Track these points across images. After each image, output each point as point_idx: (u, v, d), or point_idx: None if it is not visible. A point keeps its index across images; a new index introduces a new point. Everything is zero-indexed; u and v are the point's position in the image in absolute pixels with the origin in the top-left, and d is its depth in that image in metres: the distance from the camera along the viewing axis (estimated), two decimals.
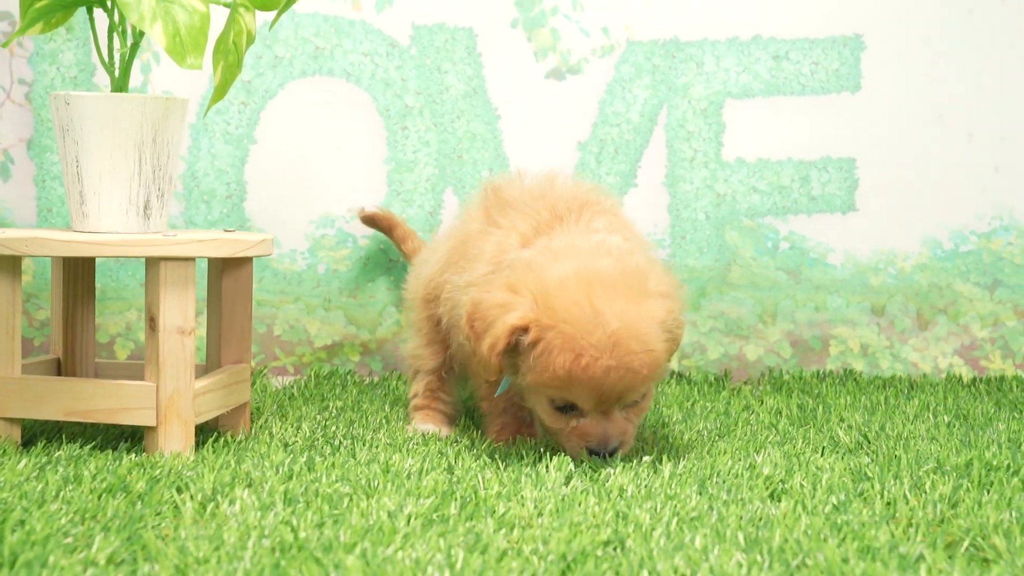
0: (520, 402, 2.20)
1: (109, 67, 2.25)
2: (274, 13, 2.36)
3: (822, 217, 2.88)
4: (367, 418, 2.43)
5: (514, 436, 2.24)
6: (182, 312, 2.14)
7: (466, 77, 2.85)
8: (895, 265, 2.89)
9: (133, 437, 2.22)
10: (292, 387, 2.73)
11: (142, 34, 2.23)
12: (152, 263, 2.13)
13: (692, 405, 2.61)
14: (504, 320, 1.98)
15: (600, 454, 2.04)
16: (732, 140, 2.87)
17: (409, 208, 2.85)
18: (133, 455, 2.06)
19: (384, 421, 2.42)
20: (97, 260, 2.86)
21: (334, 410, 2.51)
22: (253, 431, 2.31)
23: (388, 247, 2.85)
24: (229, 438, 2.24)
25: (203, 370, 2.39)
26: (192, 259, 2.15)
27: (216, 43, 2.22)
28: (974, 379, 2.90)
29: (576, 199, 2.19)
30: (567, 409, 2.03)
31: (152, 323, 2.13)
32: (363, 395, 2.66)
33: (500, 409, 2.27)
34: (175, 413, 2.13)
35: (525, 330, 1.97)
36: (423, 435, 2.28)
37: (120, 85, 2.26)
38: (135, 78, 2.79)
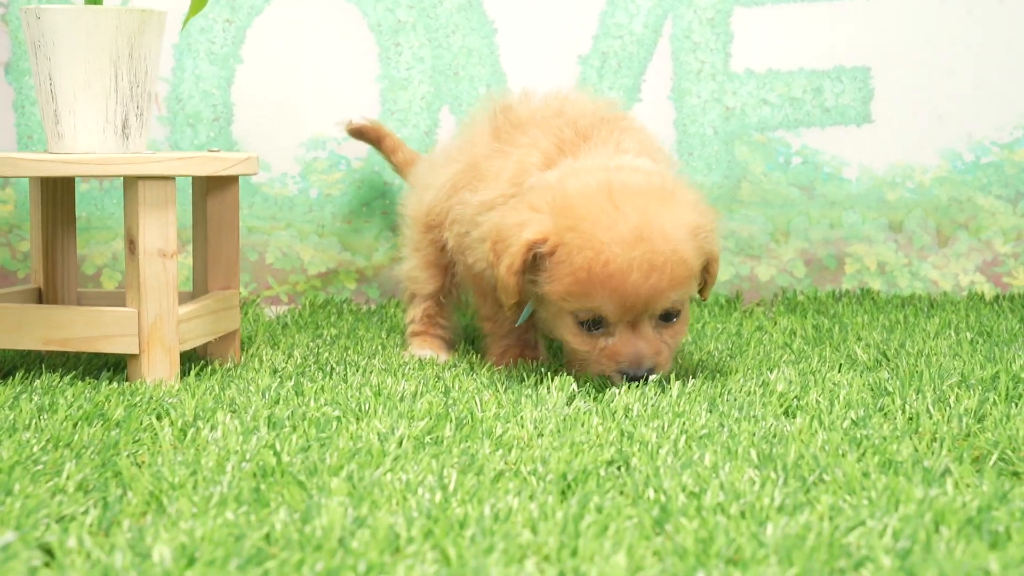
0: (547, 333, 2.07)
1: None
2: None
3: (836, 129, 2.75)
4: (362, 345, 2.33)
5: (515, 359, 2.13)
6: (163, 234, 2.03)
7: None
8: (913, 179, 2.77)
9: (117, 367, 2.12)
10: (286, 316, 2.63)
11: None
12: (130, 183, 2.02)
13: (703, 327, 2.51)
14: (519, 236, 1.87)
15: (635, 376, 1.88)
16: (740, 50, 2.74)
17: (404, 128, 2.73)
18: (114, 383, 1.96)
19: (380, 347, 2.31)
20: (81, 187, 2.75)
21: (328, 338, 2.40)
22: (243, 359, 2.21)
23: (384, 169, 2.73)
24: (217, 366, 2.14)
25: (190, 297, 2.29)
26: (172, 178, 2.04)
27: None
28: (997, 296, 2.78)
29: (600, 116, 2.07)
30: (593, 325, 1.89)
31: (132, 246, 2.03)
32: (359, 323, 2.56)
33: (504, 331, 2.16)
34: (158, 340, 2.02)
35: (542, 243, 1.86)
36: (420, 360, 2.17)
37: None
38: None
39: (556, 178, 1.94)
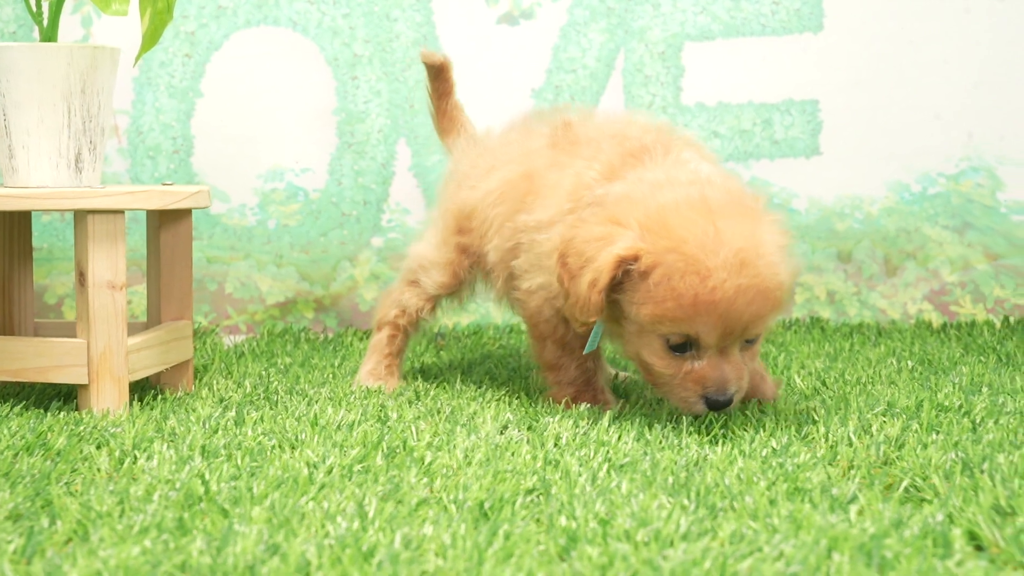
0: (622, 352, 1.96)
1: (37, 17, 2.19)
2: None
3: (785, 161, 2.81)
4: (313, 374, 2.37)
5: (584, 399, 2.04)
6: (112, 266, 2.07)
7: (416, 24, 2.77)
8: (861, 209, 2.82)
9: (69, 396, 2.16)
10: (243, 345, 2.67)
11: None
12: (80, 216, 2.07)
13: None
14: (609, 251, 1.78)
15: (718, 404, 1.83)
16: (691, 84, 2.79)
17: (361, 160, 2.78)
18: (62, 413, 2.01)
19: (331, 376, 2.35)
20: (43, 219, 2.79)
21: (282, 367, 2.45)
22: (196, 388, 2.26)
23: (340, 200, 2.78)
24: (167, 395, 2.18)
25: (144, 327, 2.33)
26: (121, 212, 2.08)
27: None
28: (944, 324, 2.83)
29: (660, 131, 2.01)
30: (683, 348, 1.82)
31: (82, 278, 2.07)
32: (314, 352, 2.60)
33: (571, 378, 2.06)
34: (107, 370, 2.07)
35: (634, 260, 1.78)
36: (367, 389, 2.17)
37: (48, 35, 2.19)
38: (75, 31, 2.72)
39: (636, 191, 1.86)
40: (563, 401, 2.05)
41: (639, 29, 2.78)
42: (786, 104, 2.80)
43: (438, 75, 2.38)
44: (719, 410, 1.85)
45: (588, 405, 2.01)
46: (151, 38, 2.19)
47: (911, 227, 2.82)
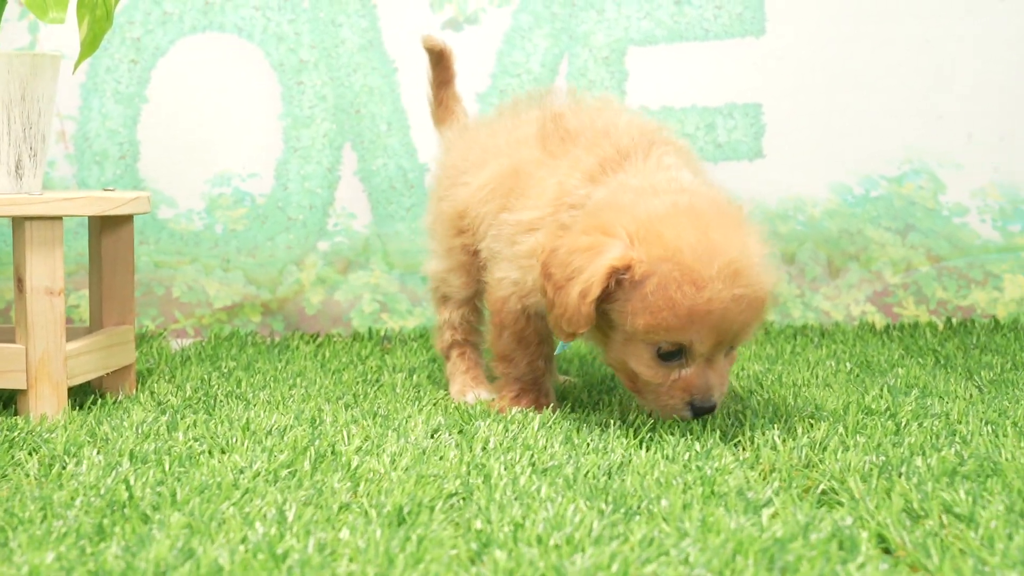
0: (607, 360, 1.94)
1: None
2: None
3: (728, 165, 2.83)
4: (255, 378, 2.39)
5: (530, 405, 2.05)
6: (50, 273, 2.08)
7: (361, 29, 2.79)
8: (804, 212, 2.85)
9: (10, 401, 2.17)
10: (189, 349, 2.68)
11: None
12: (18, 223, 2.08)
13: (594, 360, 2.57)
14: (600, 262, 1.78)
15: (703, 410, 1.85)
16: (635, 88, 2.81)
17: (307, 164, 2.79)
18: (0, 418, 2.02)
19: (272, 380, 2.37)
20: None
21: (225, 370, 2.46)
22: (137, 392, 2.27)
23: (287, 205, 2.79)
24: (108, 399, 2.19)
25: (88, 332, 2.34)
26: (59, 218, 2.09)
27: None
28: (887, 326, 2.86)
29: (644, 135, 1.99)
30: (673, 357, 1.83)
31: (20, 284, 2.08)
32: (259, 356, 2.62)
33: (519, 372, 2.07)
34: (45, 375, 2.08)
35: (626, 269, 1.78)
36: (464, 403, 2.13)
37: None
38: (22, 37, 2.73)
39: (620, 198, 1.87)
40: (510, 397, 2.07)
41: (583, 34, 2.80)
42: (729, 108, 2.82)
43: (438, 62, 2.38)
44: (703, 416, 1.87)
45: (524, 409, 2.03)
46: (90, 45, 2.20)
47: (854, 229, 2.85)
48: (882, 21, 2.82)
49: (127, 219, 2.32)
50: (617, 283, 1.80)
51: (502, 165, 2.07)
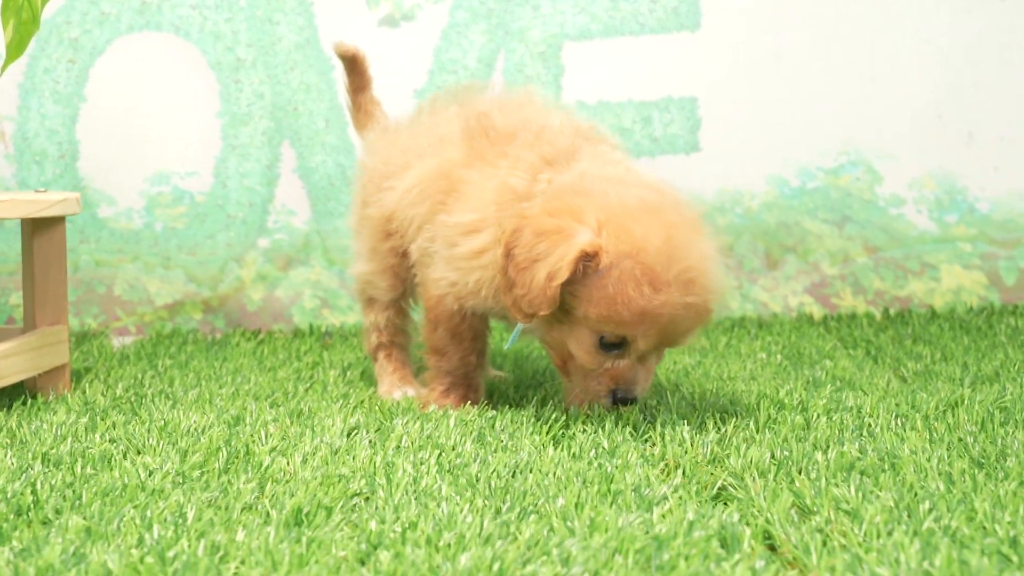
0: (544, 341, 1.95)
1: None
2: None
3: (666, 158, 2.85)
4: (189, 377, 2.41)
5: (460, 401, 2.08)
6: None
7: (298, 27, 2.80)
8: (742, 204, 2.87)
9: None
10: (129, 348, 2.70)
11: None
12: None
13: (528, 355, 2.59)
14: (570, 246, 1.78)
15: (624, 401, 1.89)
16: (572, 83, 2.83)
17: (247, 162, 2.81)
18: None
19: (205, 379, 2.39)
20: None
21: (161, 369, 2.48)
22: (68, 393, 2.28)
23: (226, 202, 2.81)
24: (39, 400, 2.21)
25: (22, 332, 2.36)
26: None
27: (4, 0, 2.18)
28: (824, 317, 2.88)
29: (579, 132, 2.01)
30: (613, 348, 1.86)
31: None
32: (198, 353, 2.63)
33: (451, 366, 2.09)
34: None
35: (592, 256, 1.79)
36: (395, 401, 2.16)
37: None
38: None
39: (589, 185, 1.87)
40: (440, 391, 2.09)
41: (519, 30, 2.82)
42: (665, 102, 2.84)
43: (352, 68, 2.38)
44: (623, 406, 1.90)
45: (451, 405, 2.05)
46: (16, 48, 2.22)
47: (791, 221, 2.87)
48: (816, 14, 2.84)
49: (59, 220, 2.33)
50: (581, 268, 1.81)
51: (428, 167, 2.08)
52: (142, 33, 2.79)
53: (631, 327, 1.82)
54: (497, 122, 2.04)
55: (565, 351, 1.90)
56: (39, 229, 2.31)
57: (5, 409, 2.15)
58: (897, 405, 2.00)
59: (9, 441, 1.88)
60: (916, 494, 1.52)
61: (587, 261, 1.80)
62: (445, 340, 2.08)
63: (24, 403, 2.19)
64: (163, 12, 2.78)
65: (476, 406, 2.07)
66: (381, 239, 2.19)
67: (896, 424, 1.88)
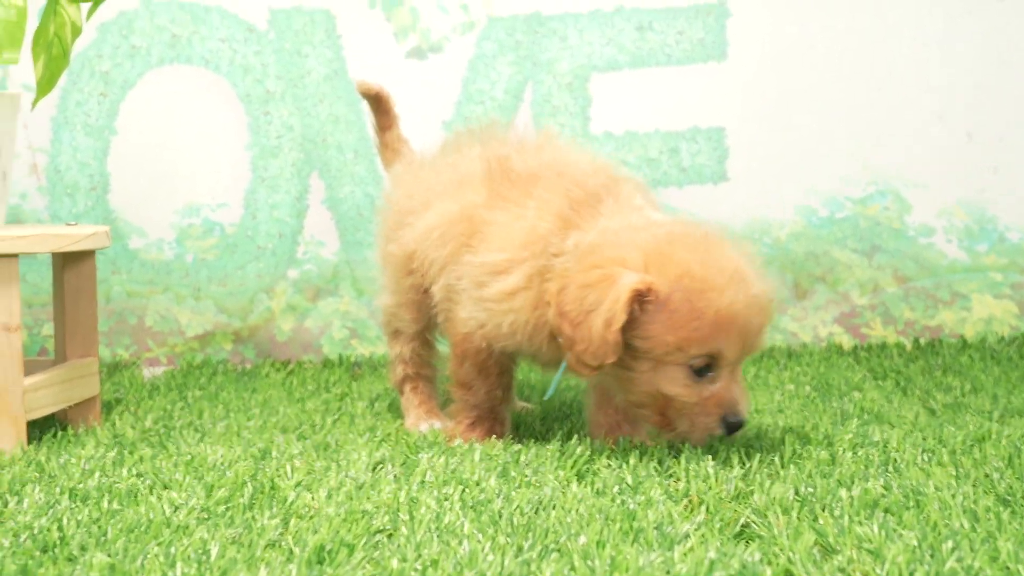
0: (627, 394, 1.93)
1: None
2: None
3: (693, 188, 2.85)
4: (218, 409, 2.42)
5: (485, 435, 2.09)
6: (6, 309, 2.12)
7: (327, 60, 2.82)
8: (770, 234, 2.87)
9: None
10: (160, 378, 2.72)
11: None
12: None
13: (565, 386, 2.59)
14: (620, 287, 1.81)
15: (736, 426, 1.89)
16: (599, 114, 2.84)
17: (275, 194, 2.83)
18: None
19: (234, 411, 2.40)
20: None
21: (191, 401, 2.49)
22: (98, 425, 2.30)
23: (256, 234, 2.83)
24: (69, 432, 2.23)
25: (51, 365, 2.38)
26: (14, 256, 2.13)
27: (35, 36, 2.20)
28: (855, 347, 2.87)
29: (603, 173, 2.03)
30: (703, 372, 1.86)
31: None
32: (228, 384, 2.65)
33: (478, 400, 2.10)
34: (4, 410, 2.12)
35: (647, 292, 1.82)
36: (422, 433, 2.17)
37: None
38: None
39: (617, 236, 1.90)
40: (466, 424, 2.10)
41: (547, 61, 2.83)
42: (692, 132, 2.85)
43: (377, 106, 2.41)
44: (735, 432, 1.91)
45: (476, 440, 2.06)
46: (47, 83, 2.24)
47: (820, 251, 2.87)
48: (843, 44, 2.84)
49: (89, 253, 2.35)
50: (640, 308, 1.83)
51: (449, 210, 2.10)
52: (172, 66, 2.81)
53: (713, 339, 1.84)
54: (517, 165, 2.06)
55: (660, 400, 1.89)
56: (69, 262, 2.34)
57: (36, 441, 2.16)
58: (924, 439, 1.99)
59: (38, 475, 1.90)
60: (940, 533, 1.51)
61: (643, 299, 1.82)
62: (472, 375, 2.08)
63: (55, 435, 2.21)
64: (193, 45, 2.80)
65: (502, 439, 2.07)
66: (403, 275, 2.21)
67: (922, 459, 1.87)
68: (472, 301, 2.01)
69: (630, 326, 1.83)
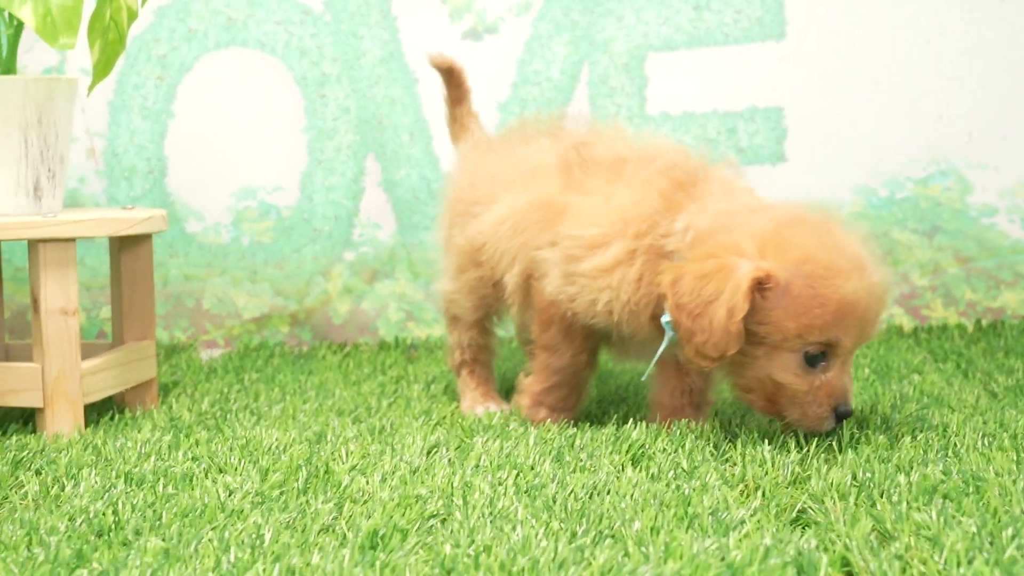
0: (739, 381, 1.90)
1: None
2: None
3: (751, 169, 2.82)
4: (275, 391, 2.43)
5: (552, 416, 2.09)
6: (64, 293, 2.14)
7: (382, 41, 2.82)
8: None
9: (31, 418, 2.23)
10: (216, 361, 2.73)
11: None
12: (32, 245, 2.13)
13: (609, 373, 2.58)
14: (739, 276, 1.78)
15: (845, 415, 1.87)
16: (656, 94, 2.81)
17: (331, 176, 2.83)
18: (16, 437, 2.07)
19: (291, 393, 2.40)
20: (14, 245, 2.86)
21: (247, 383, 2.50)
22: (155, 408, 2.31)
23: (312, 216, 2.83)
24: (127, 415, 2.24)
25: (109, 348, 2.40)
26: (72, 240, 2.14)
27: (91, 21, 2.21)
28: (915, 329, 2.84)
29: (695, 160, 2.00)
30: (817, 361, 1.83)
31: (35, 305, 2.13)
32: (285, 367, 2.66)
33: (560, 364, 2.07)
34: (62, 393, 2.13)
35: (767, 280, 1.79)
36: (477, 417, 2.17)
37: (7, 67, 2.26)
38: (52, 58, 2.79)
39: (728, 221, 1.86)
40: (534, 387, 2.08)
41: (603, 41, 2.81)
42: (750, 112, 2.82)
43: (449, 80, 2.39)
44: (842, 421, 1.88)
45: (540, 422, 2.05)
46: (103, 68, 2.25)
47: (880, 231, 2.83)
48: (905, 22, 2.80)
49: (145, 237, 2.36)
50: (760, 295, 1.80)
51: (520, 200, 2.07)
52: (228, 49, 2.81)
53: (834, 327, 1.81)
54: (601, 151, 2.03)
55: (770, 387, 1.87)
56: (126, 246, 2.35)
57: (93, 425, 2.18)
58: (985, 423, 1.97)
59: (94, 459, 1.91)
60: (999, 520, 1.49)
61: (763, 287, 1.80)
62: (558, 338, 2.06)
63: (112, 418, 2.22)
64: (249, 28, 2.81)
65: (573, 414, 2.08)
66: (470, 266, 2.19)
67: (983, 444, 1.85)
68: (563, 275, 1.98)
69: (749, 313, 1.80)
